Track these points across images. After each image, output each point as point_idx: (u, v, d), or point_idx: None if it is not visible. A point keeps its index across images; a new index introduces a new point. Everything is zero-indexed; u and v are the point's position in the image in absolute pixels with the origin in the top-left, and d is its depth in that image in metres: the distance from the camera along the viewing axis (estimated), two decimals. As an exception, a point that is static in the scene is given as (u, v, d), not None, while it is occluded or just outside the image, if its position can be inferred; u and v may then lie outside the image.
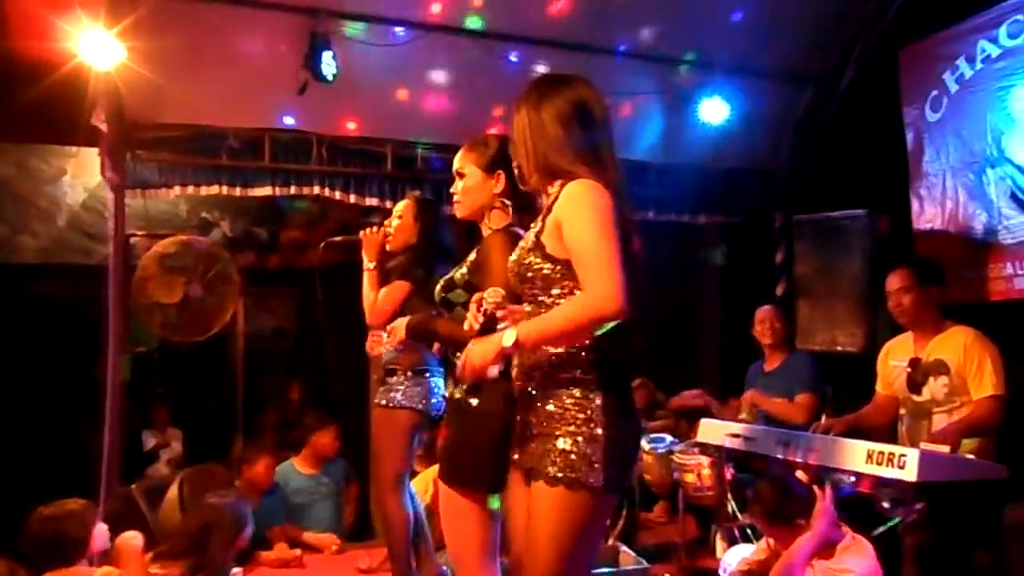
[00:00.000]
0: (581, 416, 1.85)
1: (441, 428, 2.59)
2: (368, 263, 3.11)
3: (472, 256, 2.43)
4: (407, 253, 3.23)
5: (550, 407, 1.89)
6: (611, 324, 1.78)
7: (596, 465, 1.81)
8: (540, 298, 1.91)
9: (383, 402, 3.19)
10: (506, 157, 2.28)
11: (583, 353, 1.87)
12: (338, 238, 3.13)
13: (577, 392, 1.86)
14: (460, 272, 2.43)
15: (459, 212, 2.40)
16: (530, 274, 1.91)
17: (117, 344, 4.09)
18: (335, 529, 4.30)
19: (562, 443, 1.85)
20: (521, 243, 1.99)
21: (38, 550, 2.72)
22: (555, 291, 1.89)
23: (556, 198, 1.90)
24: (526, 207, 2.29)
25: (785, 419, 3.90)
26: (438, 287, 2.50)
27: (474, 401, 2.26)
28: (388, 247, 3.19)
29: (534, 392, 1.93)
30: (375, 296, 3.12)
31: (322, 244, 3.24)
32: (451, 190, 2.42)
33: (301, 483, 4.29)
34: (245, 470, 4.11)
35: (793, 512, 2.68)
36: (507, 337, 1.80)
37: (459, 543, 2.32)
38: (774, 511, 2.72)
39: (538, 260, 1.89)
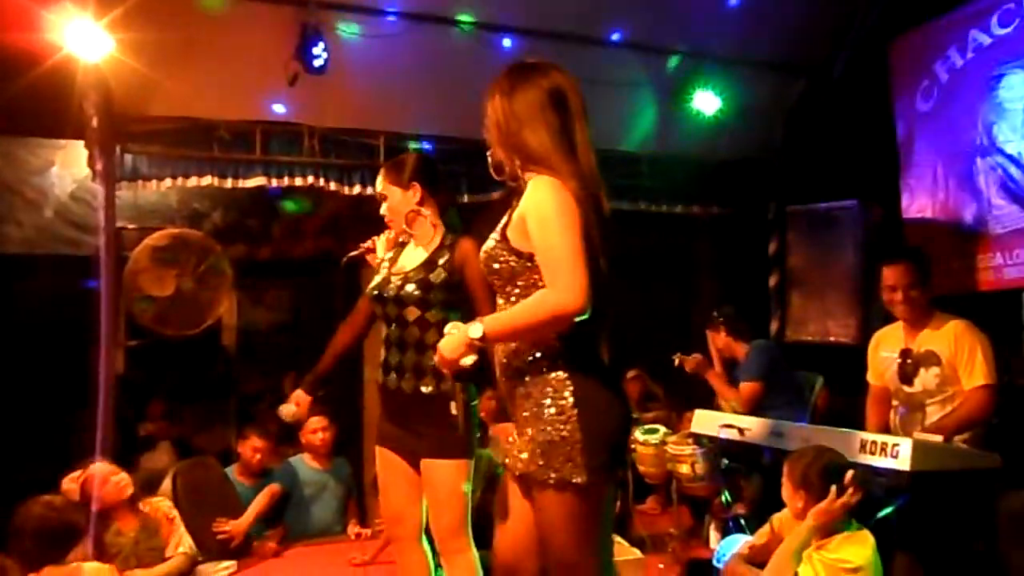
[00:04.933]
0: (556, 415, 1.87)
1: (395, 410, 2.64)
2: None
3: (445, 255, 2.58)
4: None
5: (526, 412, 1.92)
6: (574, 320, 1.81)
7: (578, 462, 1.83)
8: (506, 289, 1.96)
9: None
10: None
11: (550, 344, 1.90)
12: (355, 252, 3.03)
13: (549, 388, 1.89)
14: (437, 272, 2.56)
15: None
16: (496, 265, 1.94)
17: (109, 337, 4.07)
18: (338, 524, 4.30)
19: (541, 446, 1.87)
20: (492, 234, 2.01)
21: (26, 545, 2.70)
22: (519, 282, 1.92)
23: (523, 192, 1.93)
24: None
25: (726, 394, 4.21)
26: (412, 287, 2.54)
27: (427, 389, 2.51)
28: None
29: (512, 390, 1.97)
30: None
31: (343, 261, 3.15)
32: None
33: (309, 476, 4.27)
34: (239, 444, 4.25)
35: (808, 484, 2.66)
36: (473, 329, 1.85)
37: (456, 507, 2.50)
38: (799, 473, 2.70)
39: (504, 252, 1.93)
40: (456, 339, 1.89)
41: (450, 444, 2.48)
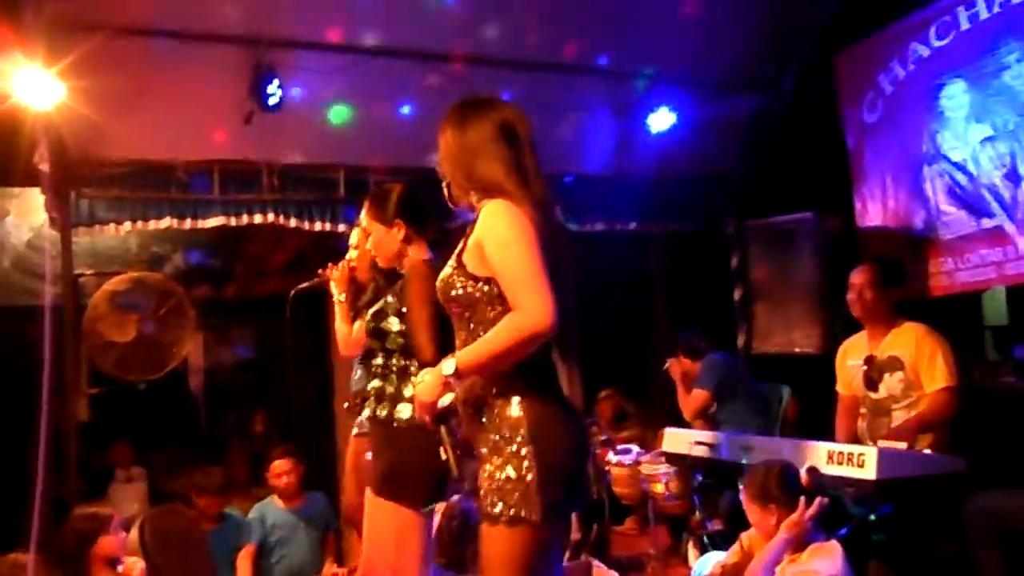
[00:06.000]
0: (512, 452, 1.83)
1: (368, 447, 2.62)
2: (339, 295, 3.02)
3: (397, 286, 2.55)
4: (377, 282, 3.19)
5: (484, 448, 1.89)
6: (546, 339, 1.80)
7: (532, 499, 1.80)
8: (466, 315, 1.93)
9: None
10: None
11: (507, 376, 1.88)
12: (305, 284, 3.03)
13: (504, 424, 1.86)
14: (389, 300, 2.54)
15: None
16: (453, 292, 1.92)
17: (52, 386, 3.95)
18: (312, 565, 4.21)
19: (496, 479, 1.84)
20: (449, 262, 2.00)
21: None
22: (478, 308, 1.90)
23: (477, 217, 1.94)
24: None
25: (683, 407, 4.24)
26: (367, 317, 2.56)
27: (401, 417, 2.44)
28: (357, 277, 3.07)
29: (471, 426, 1.93)
30: (348, 329, 3.00)
31: (292, 293, 3.14)
32: None
33: (280, 518, 4.17)
34: (195, 495, 4.09)
35: (773, 498, 2.69)
36: (446, 366, 1.83)
37: (406, 553, 2.40)
38: (759, 491, 2.73)
39: (461, 278, 1.91)
40: (431, 381, 1.88)
41: (397, 484, 2.39)
